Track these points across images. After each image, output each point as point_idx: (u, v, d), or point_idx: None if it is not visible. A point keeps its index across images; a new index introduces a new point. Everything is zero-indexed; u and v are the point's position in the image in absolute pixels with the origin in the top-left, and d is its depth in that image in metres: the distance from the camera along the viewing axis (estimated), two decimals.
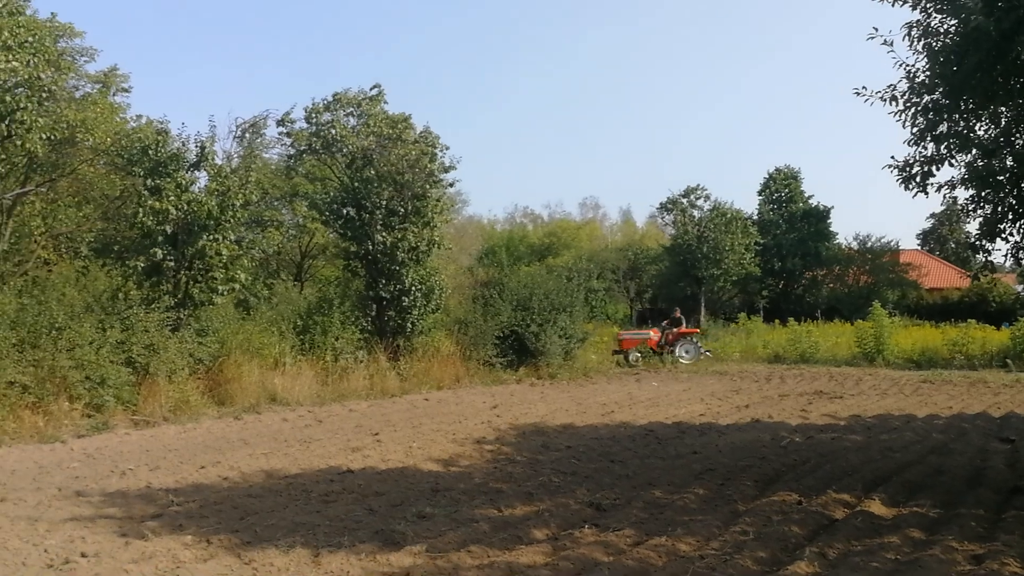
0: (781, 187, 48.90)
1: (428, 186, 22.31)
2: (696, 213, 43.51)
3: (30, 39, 14.08)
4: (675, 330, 30.22)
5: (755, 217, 47.76)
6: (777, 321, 37.75)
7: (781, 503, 9.56)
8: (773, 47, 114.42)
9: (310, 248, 30.60)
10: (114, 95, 22.73)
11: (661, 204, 44.72)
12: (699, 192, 43.57)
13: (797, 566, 7.14)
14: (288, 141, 23.34)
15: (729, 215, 42.36)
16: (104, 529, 8.53)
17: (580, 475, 11.36)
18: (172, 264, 16.86)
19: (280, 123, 23.23)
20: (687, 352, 29.48)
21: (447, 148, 22.64)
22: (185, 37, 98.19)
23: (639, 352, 29.18)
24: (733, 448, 13.43)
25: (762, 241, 45.06)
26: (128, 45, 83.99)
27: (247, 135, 26.39)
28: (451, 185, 23.32)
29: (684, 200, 43.64)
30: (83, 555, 7.62)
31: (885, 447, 13.42)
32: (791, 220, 47.59)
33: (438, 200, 22.82)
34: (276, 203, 28.92)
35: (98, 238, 22.02)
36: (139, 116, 22.72)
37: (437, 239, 22.50)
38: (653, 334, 30.45)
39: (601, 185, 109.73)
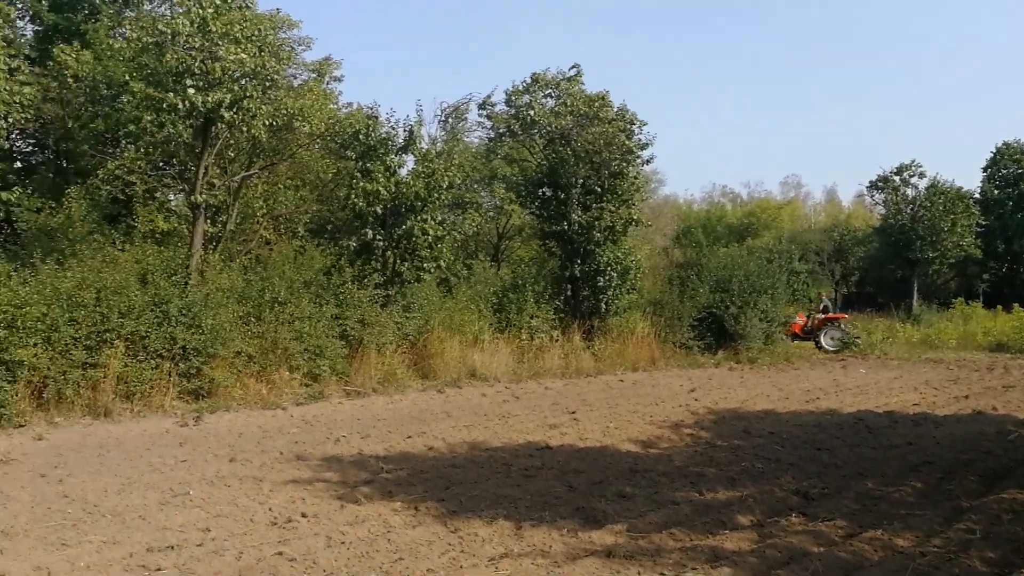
0: (1010, 163, 44.81)
1: (625, 164, 22.15)
2: (910, 191, 40.71)
3: (256, 32, 15.09)
4: (820, 316, 28.17)
5: (976, 196, 44.08)
6: (999, 307, 34.75)
7: (1012, 501, 8.80)
8: (1005, 6, 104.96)
9: (507, 229, 31.15)
10: (328, 83, 24.01)
11: (871, 182, 42.09)
12: (913, 169, 40.71)
13: None
14: (488, 124, 23.79)
15: (950, 193, 39.27)
16: (322, 492, 9.07)
17: (784, 462, 10.96)
18: (381, 244, 17.68)
19: (481, 106, 23.77)
20: (832, 339, 27.30)
21: (644, 125, 22.39)
22: (393, 23, 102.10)
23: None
24: (953, 440, 12.52)
25: (985, 222, 41.58)
26: (338, 31, 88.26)
27: (450, 120, 27.15)
28: (648, 162, 23.06)
29: (897, 178, 40.89)
30: (303, 515, 8.14)
31: None
32: (1020, 199, 43.56)
33: (635, 178, 22.61)
34: (475, 186, 29.61)
35: (313, 219, 23.41)
36: (349, 104, 23.92)
37: (634, 217, 22.29)
38: (799, 318, 28.52)
39: (804, 163, 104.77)
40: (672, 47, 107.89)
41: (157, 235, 19.77)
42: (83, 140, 21.50)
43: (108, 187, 19.88)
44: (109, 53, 20.54)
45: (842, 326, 27.97)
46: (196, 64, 14.30)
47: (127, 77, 17.64)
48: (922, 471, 10.52)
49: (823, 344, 27.13)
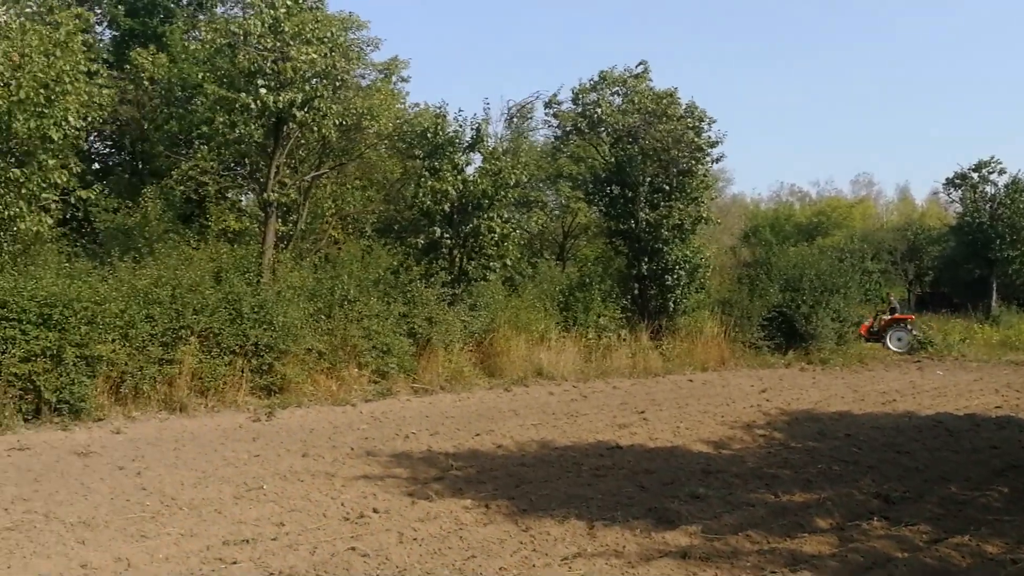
0: None
1: (694, 162, 21.84)
2: (989, 189, 39.34)
3: (327, 33, 15.24)
4: (886, 317, 27.21)
5: None
6: None
7: None
8: None
9: (572, 228, 31.01)
10: (395, 83, 24.19)
11: (947, 179, 40.78)
12: (992, 166, 39.33)
13: None
14: (555, 122, 23.67)
15: None
16: (392, 488, 9.08)
17: (863, 465, 10.64)
18: (449, 242, 17.68)
19: (547, 105, 23.66)
20: (899, 340, 26.38)
21: (713, 122, 22.05)
22: (458, 21, 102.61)
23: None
24: None
25: None
26: (405, 31, 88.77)
27: (515, 118, 27.13)
28: (717, 160, 22.65)
29: (975, 175, 39.58)
30: (375, 511, 8.15)
31: None
32: None
33: (704, 176, 22.28)
34: (541, 184, 29.52)
35: (380, 219, 23.60)
36: (416, 104, 24.05)
37: (703, 216, 21.98)
38: (868, 320, 27.65)
39: (875, 161, 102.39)
40: (738, 43, 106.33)
41: (229, 234, 20.17)
42: (158, 141, 22.03)
43: (181, 187, 20.33)
44: (183, 56, 21.04)
45: (909, 327, 27.03)
46: (268, 64, 14.49)
47: (201, 79, 18.08)
48: (1008, 475, 10.13)
49: (889, 345, 26.36)
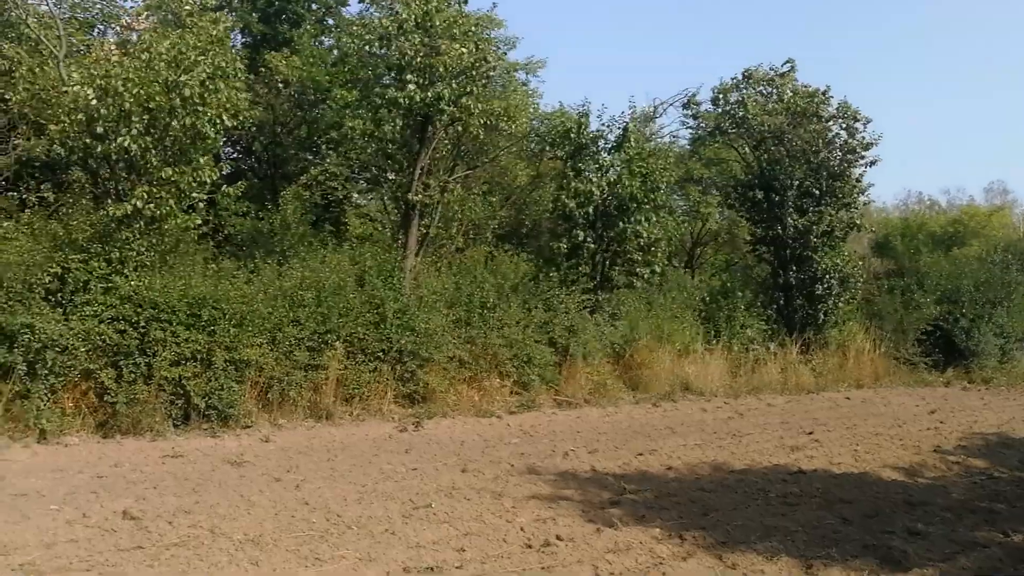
0: None
1: (846, 164, 20.43)
2: None
3: (472, 29, 14.67)
4: None
5: None
6: None
7: None
8: None
9: (701, 235, 29.80)
10: (531, 84, 23.52)
11: None
12: None
13: None
14: (693, 123, 22.61)
15: None
16: (568, 511, 8.29)
17: None
18: (592, 246, 16.79)
19: (685, 105, 22.61)
20: None
21: (869, 122, 20.57)
22: (594, 19, 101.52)
23: None
24: None
25: None
26: (537, 29, 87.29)
27: (652, 120, 26.13)
28: (872, 163, 21.04)
29: None
30: (558, 538, 7.37)
31: None
32: None
33: (857, 180, 20.81)
34: (668, 188, 28.39)
35: (501, 224, 22.90)
36: (549, 104, 23.36)
37: (856, 222, 20.55)
38: None
39: (1007, 169, 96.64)
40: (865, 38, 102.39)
41: (353, 240, 19.82)
42: (289, 145, 21.95)
43: (311, 192, 20.12)
44: (311, 60, 20.89)
45: None
46: (417, 59, 13.96)
47: (329, 82, 17.82)
48: None
49: None
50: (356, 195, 23.89)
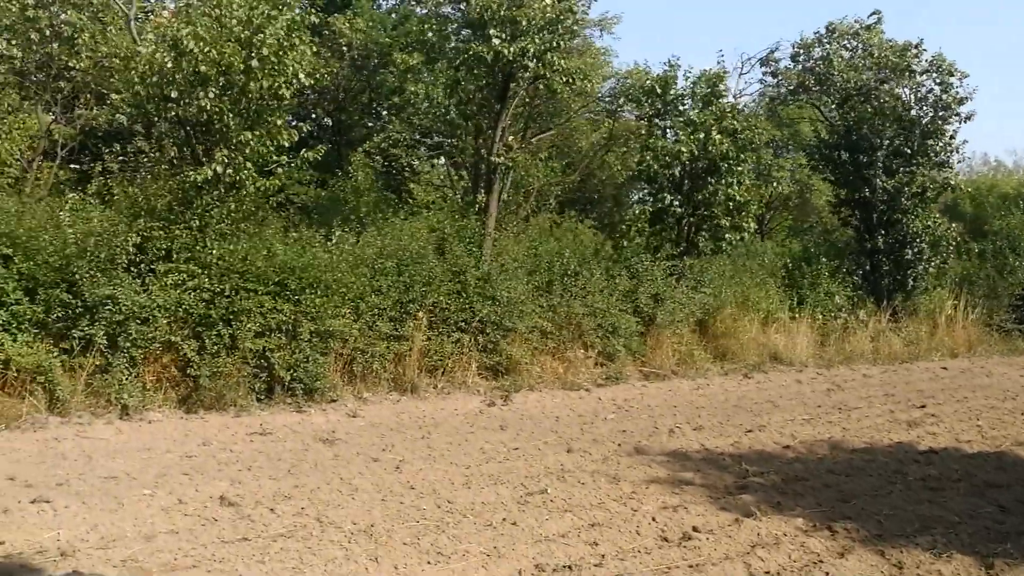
0: None
1: (940, 121, 19.28)
2: None
3: None
4: None
5: None
6: None
7: None
8: None
9: (773, 199, 28.73)
10: (604, 40, 22.57)
11: None
12: None
13: None
14: (773, 81, 21.54)
15: None
16: (695, 497, 7.63)
17: None
18: (679, 210, 15.93)
19: (763, 63, 21.54)
20: None
21: (966, 76, 19.35)
22: None
23: None
24: None
25: None
26: None
27: (740, 76, 25.07)
28: (968, 119, 19.79)
29: None
30: (695, 529, 6.71)
31: None
32: None
33: (952, 138, 19.65)
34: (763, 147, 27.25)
35: (565, 191, 22.14)
36: (621, 63, 22.41)
37: (951, 182, 19.42)
38: None
39: None
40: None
41: (421, 208, 19.21)
42: (353, 111, 21.37)
43: (373, 159, 19.57)
44: (373, 22, 20.19)
45: None
46: (501, 12, 13.19)
47: (389, 45, 17.01)
48: None
49: None
50: (416, 162, 23.31)
